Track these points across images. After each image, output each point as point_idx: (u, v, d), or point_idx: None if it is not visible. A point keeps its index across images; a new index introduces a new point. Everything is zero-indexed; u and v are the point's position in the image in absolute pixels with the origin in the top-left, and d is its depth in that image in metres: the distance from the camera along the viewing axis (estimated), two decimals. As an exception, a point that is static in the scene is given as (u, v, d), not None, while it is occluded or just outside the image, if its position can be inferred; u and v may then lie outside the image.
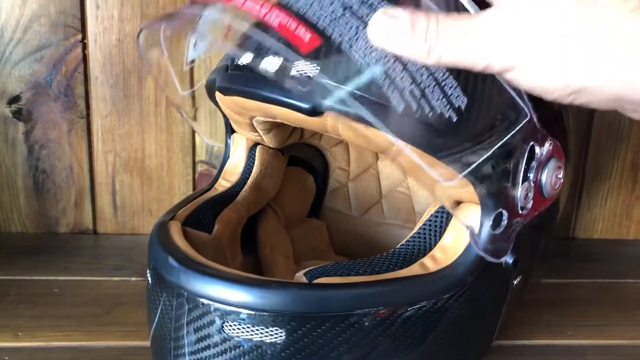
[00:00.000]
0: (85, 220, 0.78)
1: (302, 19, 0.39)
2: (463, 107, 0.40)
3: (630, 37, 0.34)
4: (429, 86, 0.39)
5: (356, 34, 0.39)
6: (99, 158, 0.76)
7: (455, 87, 0.40)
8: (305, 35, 0.38)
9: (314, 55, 0.39)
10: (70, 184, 0.76)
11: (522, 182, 0.43)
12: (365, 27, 0.38)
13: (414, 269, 0.44)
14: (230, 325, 0.41)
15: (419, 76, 0.39)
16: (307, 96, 0.41)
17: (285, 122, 0.47)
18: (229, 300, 0.41)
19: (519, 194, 0.44)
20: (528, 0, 0.35)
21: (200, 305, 0.41)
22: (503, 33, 0.35)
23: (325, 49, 0.39)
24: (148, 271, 0.47)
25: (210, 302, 0.41)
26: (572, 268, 0.75)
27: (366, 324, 0.41)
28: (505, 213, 0.43)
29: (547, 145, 0.45)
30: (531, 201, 0.45)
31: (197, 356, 0.42)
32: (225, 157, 0.60)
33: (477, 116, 0.41)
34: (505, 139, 0.42)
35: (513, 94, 0.42)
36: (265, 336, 0.41)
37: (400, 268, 0.44)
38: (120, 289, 0.64)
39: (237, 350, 0.41)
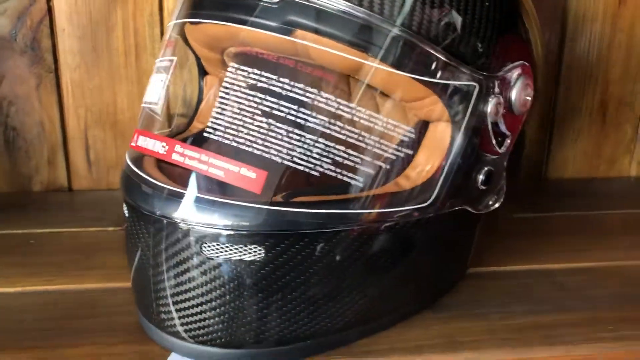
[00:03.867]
0: (60, 177, 0.77)
1: None
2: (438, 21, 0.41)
3: None
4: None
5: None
6: (70, 113, 0.75)
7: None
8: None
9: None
10: (41, 141, 0.75)
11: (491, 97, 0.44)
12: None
13: (388, 188, 0.44)
14: (209, 246, 0.41)
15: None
16: (277, 14, 0.41)
17: (256, 49, 0.47)
18: (206, 222, 0.41)
19: (488, 109, 0.44)
20: None
21: (178, 229, 0.42)
22: None
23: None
24: (125, 207, 0.47)
25: (188, 225, 0.41)
26: (545, 204, 0.77)
27: (341, 241, 0.42)
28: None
29: (516, 64, 0.46)
30: (502, 118, 0.45)
31: (176, 280, 0.43)
32: (199, 99, 0.59)
33: (446, 33, 0.42)
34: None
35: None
36: (244, 255, 0.41)
37: (375, 187, 0.44)
38: (98, 239, 0.64)
39: (217, 270, 0.42)
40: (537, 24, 0.52)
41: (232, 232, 0.41)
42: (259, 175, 0.40)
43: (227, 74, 0.42)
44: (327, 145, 0.41)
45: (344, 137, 0.41)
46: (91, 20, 0.72)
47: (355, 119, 0.41)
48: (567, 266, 0.60)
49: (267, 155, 0.41)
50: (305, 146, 0.40)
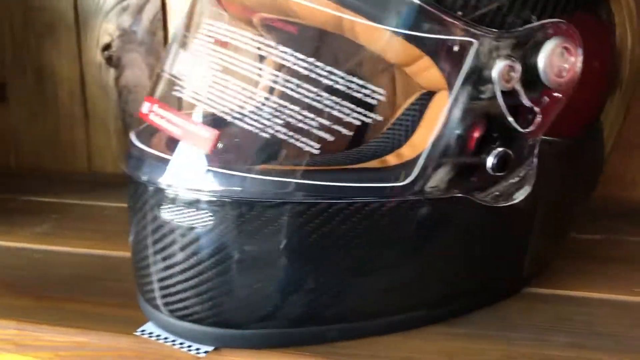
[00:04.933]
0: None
1: None
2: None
3: None
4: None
5: None
6: (178, 102, 0.79)
7: None
8: None
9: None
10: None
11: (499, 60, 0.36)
12: None
13: (371, 164, 0.38)
14: (170, 210, 0.40)
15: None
16: None
17: (298, 19, 0.44)
18: (164, 182, 0.39)
19: (495, 74, 0.36)
20: None
21: (148, 191, 0.41)
22: None
23: None
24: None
25: (151, 186, 0.40)
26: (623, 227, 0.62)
27: (300, 215, 0.37)
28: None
29: (544, 22, 0.37)
30: (519, 84, 0.37)
31: (153, 248, 0.41)
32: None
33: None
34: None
35: None
36: (197, 222, 0.39)
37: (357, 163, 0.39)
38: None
39: (182, 238, 0.39)
40: (630, 13, 0.43)
41: (186, 196, 0.38)
42: (211, 135, 0.37)
43: (200, 30, 0.41)
44: (289, 109, 0.37)
45: (306, 101, 0.36)
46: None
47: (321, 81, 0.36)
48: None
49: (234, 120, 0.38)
50: (269, 111, 0.37)
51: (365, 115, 0.36)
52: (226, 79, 0.39)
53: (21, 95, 0.84)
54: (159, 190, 0.40)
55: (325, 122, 0.36)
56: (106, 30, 0.79)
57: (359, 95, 0.36)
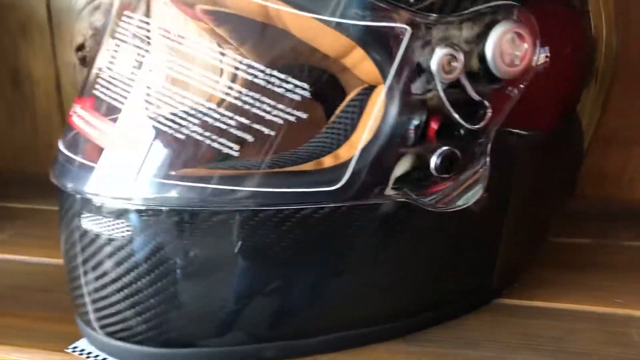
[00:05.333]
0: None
1: None
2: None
3: None
4: None
5: None
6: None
7: None
8: None
9: None
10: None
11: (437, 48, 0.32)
12: None
13: (305, 166, 0.35)
14: (88, 219, 0.37)
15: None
16: None
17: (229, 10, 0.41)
18: (89, 192, 0.36)
19: (434, 64, 0.32)
20: None
21: (70, 198, 0.38)
22: None
23: None
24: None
25: (73, 193, 0.37)
26: (612, 230, 0.57)
27: (221, 223, 0.34)
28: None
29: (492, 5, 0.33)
30: (464, 76, 0.33)
31: (79, 259, 0.39)
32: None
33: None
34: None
35: None
36: (115, 231, 0.35)
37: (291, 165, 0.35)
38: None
39: (105, 246, 0.36)
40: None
41: (114, 206, 0.35)
42: (130, 138, 0.34)
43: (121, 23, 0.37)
44: (206, 108, 0.33)
45: (226, 98, 0.33)
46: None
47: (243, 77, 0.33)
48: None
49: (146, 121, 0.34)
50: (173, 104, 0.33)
51: (287, 113, 0.32)
52: (147, 77, 0.35)
53: (-1, 98, 0.83)
54: (86, 200, 0.37)
55: (245, 121, 0.32)
56: (80, 30, 0.76)
57: (279, 91, 0.32)
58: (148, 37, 0.36)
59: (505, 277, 0.45)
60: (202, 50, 0.34)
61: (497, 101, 0.34)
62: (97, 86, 0.37)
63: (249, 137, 0.32)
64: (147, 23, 0.36)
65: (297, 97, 0.32)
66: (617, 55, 0.43)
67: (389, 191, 0.34)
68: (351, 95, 0.37)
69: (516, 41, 0.33)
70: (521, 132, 0.37)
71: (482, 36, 0.33)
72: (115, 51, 0.37)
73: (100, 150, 0.36)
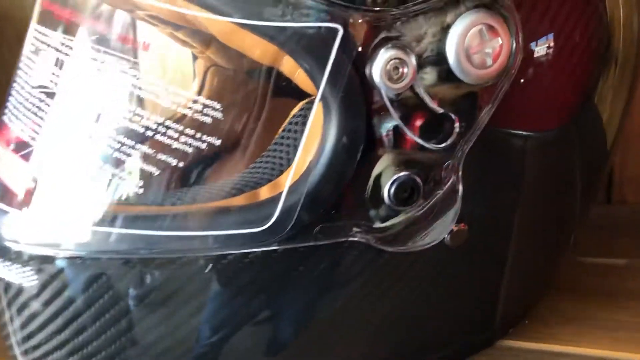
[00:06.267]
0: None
1: None
2: None
3: None
4: None
5: None
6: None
7: None
8: None
9: None
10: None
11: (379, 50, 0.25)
12: None
13: (233, 201, 0.29)
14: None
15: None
16: None
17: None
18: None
19: (376, 72, 0.25)
20: None
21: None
22: None
23: None
24: None
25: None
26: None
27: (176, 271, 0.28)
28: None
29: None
30: (419, 83, 0.26)
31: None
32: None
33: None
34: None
35: None
36: (25, 275, 0.31)
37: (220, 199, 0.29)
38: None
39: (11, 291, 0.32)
40: None
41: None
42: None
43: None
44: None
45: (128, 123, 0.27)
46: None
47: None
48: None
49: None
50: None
51: (197, 139, 0.26)
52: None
53: None
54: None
55: (150, 151, 0.27)
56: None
57: (188, 113, 0.26)
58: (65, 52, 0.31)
59: (512, 313, 0.37)
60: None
61: (468, 112, 0.27)
62: (6, 111, 0.33)
63: (154, 170, 0.27)
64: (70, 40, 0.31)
65: (207, 120, 0.26)
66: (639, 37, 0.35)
67: (337, 231, 0.28)
68: (294, 109, 0.31)
69: (486, 35, 0.26)
70: (525, 133, 0.30)
71: (440, 32, 0.26)
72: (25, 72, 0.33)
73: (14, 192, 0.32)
